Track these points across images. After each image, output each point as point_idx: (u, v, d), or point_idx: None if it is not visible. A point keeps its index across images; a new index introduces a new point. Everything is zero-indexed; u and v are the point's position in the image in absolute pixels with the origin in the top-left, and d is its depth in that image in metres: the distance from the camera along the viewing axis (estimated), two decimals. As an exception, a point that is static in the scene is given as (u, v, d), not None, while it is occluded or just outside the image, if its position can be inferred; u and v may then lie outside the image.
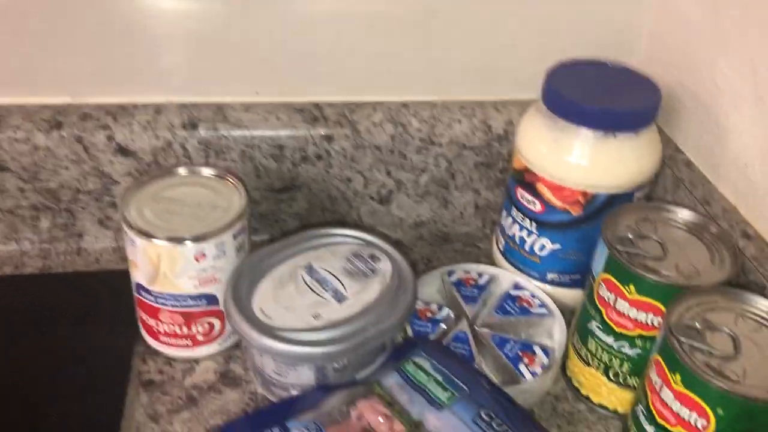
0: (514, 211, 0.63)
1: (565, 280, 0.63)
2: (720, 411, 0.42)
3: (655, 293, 0.49)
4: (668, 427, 0.45)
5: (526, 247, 0.63)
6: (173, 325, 0.55)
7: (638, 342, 0.52)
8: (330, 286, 0.54)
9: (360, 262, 0.56)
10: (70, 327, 0.59)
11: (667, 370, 0.45)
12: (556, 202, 0.59)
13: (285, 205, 0.69)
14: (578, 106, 0.57)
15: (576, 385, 0.58)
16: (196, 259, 0.52)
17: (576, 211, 0.59)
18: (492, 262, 0.68)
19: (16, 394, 0.54)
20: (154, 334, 0.57)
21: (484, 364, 0.57)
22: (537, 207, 0.60)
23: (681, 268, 0.50)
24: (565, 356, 0.58)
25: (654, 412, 0.46)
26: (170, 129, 0.64)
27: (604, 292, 0.52)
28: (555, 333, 0.61)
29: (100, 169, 0.65)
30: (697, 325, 0.46)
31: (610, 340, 0.53)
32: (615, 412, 0.56)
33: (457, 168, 0.70)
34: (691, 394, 0.43)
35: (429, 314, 0.60)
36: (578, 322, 0.56)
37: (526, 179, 0.60)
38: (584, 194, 0.58)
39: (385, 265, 0.56)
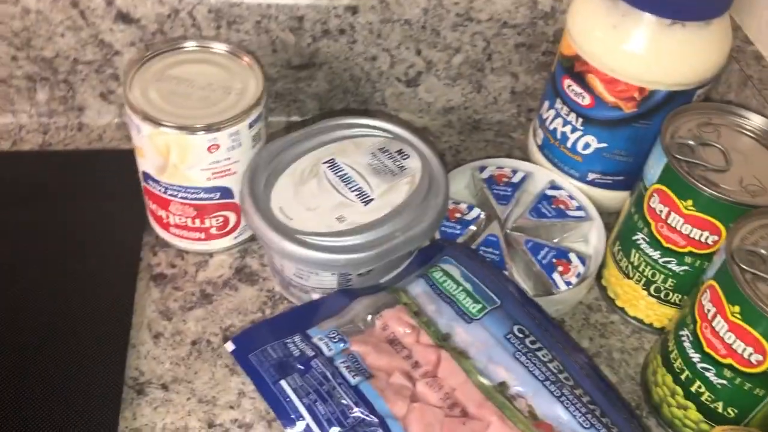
0: (559, 104, 0.57)
1: (607, 181, 0.58)
2: (780, 349, 0.39)
3: (714, 210, 0.44)
4: (717, 357, 0.42)
5: (568, 144, 0.57)
6: (184, 217, 0.51)
7: (687, 259, 0.48)
8: (354, 185, 0.49)
9: (387, 158, 0.51)
10: (73, 211, 0.55)
11: (723, 300, 0.41)
12: (608, 97, 0.53)
13: (303, 84, 0.63)
14: (645, -13, 0.49)
15: (611, 295, 0.54)
16: (209, 150, 0.47)
17: (629, 108, 0.53)
18: (526, 156, 0.63)
19: (17, 279, 0.51)
20: (164, 225, 0.53)
21: (515, 271, 0.54)
22: (586, 101, 0.54)
23: (745, 183, 0.45)
24: (602, 265, 0.55)
25: (702, 340, 0.43)
26: (176, -6, 0.57)
27: (656, 204, 0.47)
28: (592, 238, 0.57)
29: (99, 37, 0.58)
30: (762, 251, 0.41)
31: (656, 254, 0.49)
32: (650, 325, 0.53)
33: (495, 48, 0.63)
34: (750, 328, 0.39)
35: (458, 214, 0.56)
36: (621, 231, 0.52)
37: (576, 69, 0.54)
38: (641, 90, 0.51)
39: (414, 163, 0.51)
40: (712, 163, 0.46)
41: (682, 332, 0.45)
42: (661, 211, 0.47)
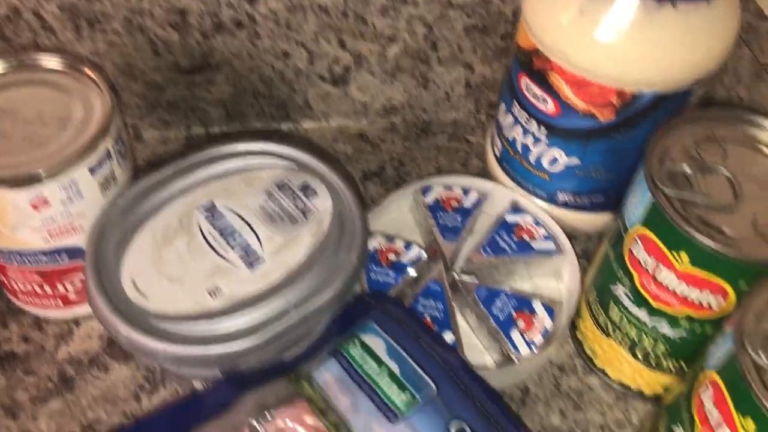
0: (516, 108, 0.44)
1: (583, 203, 0.45)
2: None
3: (718, 267, 0.32)
4: (724, 479, 0.30)
5: (531, 159, 0.45)
6: (30, 284, 0.40)
7: (683, 323, 0.36)
8: (238, 240, 0.37)
9: (288, 197, 0.39)
10: None
11: (731, 406, 0.29)
12: (578, 103, 0.40)
13: (201, 89, 0.50)
14: (620, -46, 0.36)
15: (588, 352, 0.43)
16: (35, 208, 0.35)
17: (606, 116, 0.40)
18: (486, 167, 0.50)
19: None
20: (12, 291, 0.41)
21: (466, 330, 0.42)
22: (549, 107, 0.41)
23: (762, 225, 0.33)
24: (577, 313, 0.43)
25: (704, 452, 0.31)
26: (20, -14, 0.44)
27: (640, 254, 0.35)
28: (564, 275, 0.45)
29: (-73, 46, 0.46)
30: (786, 333, 0.29)
31: (641, 314, 0.37)
32: (639, 393, 0.41)
33: (440, 35, 0.50)
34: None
35: (392, 256, 0.44)
36: (598, 277, 0.40)
37: (536, 66, 0.41)
38: (620, 93, 0.39)
39: (322, 203, 0.39)
40: (715, 198, 0.34)
41: (676, 428, 0.33)
42: (646, 262, 0.35)
